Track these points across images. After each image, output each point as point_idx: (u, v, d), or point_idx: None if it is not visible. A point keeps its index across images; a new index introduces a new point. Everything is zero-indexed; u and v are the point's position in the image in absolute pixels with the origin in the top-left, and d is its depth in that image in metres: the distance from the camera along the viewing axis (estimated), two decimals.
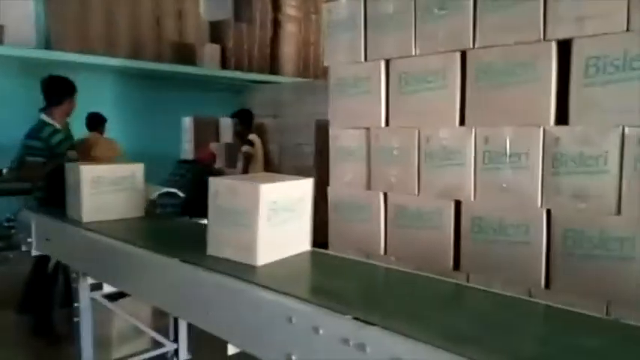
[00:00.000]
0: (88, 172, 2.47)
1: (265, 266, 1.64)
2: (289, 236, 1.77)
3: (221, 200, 1.70)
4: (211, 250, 1.72)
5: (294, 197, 1.77)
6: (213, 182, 1.72)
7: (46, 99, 3.63)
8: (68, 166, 2.63)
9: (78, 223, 2.42)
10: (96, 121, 5.76)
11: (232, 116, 5.95)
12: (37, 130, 3.54)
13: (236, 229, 1.65)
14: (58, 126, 3.61)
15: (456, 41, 2.12)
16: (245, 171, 5.64)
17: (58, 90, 3.61)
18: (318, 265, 1.78)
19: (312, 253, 1.85)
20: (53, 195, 2.87)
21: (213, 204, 1.72)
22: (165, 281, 1.81)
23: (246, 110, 5.94)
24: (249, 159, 5.68)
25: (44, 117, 3.60)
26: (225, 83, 8.35)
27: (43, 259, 3.60)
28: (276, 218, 1.68)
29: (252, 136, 5.80)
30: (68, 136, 3.71)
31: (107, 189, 2.50)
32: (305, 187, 1.83)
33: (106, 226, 2.34)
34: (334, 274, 1.68)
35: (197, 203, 3.09)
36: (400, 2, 2.27)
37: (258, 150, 5.81)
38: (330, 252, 1.94)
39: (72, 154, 3.56)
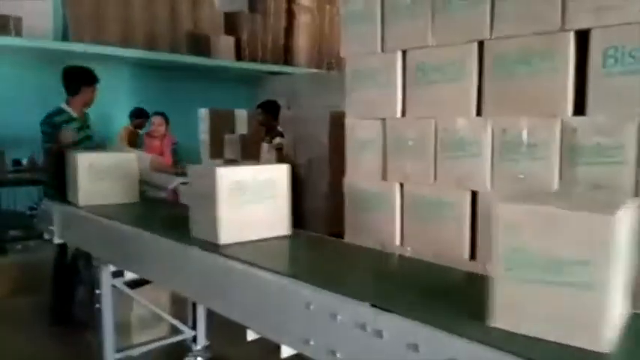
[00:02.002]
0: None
1: None
2: None
3: None
4: None
5: None
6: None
7: (65, 88, 3.69)
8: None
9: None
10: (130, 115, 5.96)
11: (258, 106, 5.90)
12: (49, 116, 3.59)
13: None
14: (74, 114, 3.67)
15: (473, 32, 2.12)
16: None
17: (74, 79, 3.69)
18: None
19: None
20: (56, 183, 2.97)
21: None
22: (186, 268, 1.85)
23: (272, 101, 5.85)
24: (281, 151, 5.60)
25: (63, 105, 3.65)
26: (240, 74, 8.39)
27: (61, 256, 3.69)
28: None
29: (281, 128, 5.74)
30: (84, 126, 3.74)
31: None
32: None
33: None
34: None
35: None
36: None
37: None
38: None
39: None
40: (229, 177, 1.84)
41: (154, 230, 2.06)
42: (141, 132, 6.18)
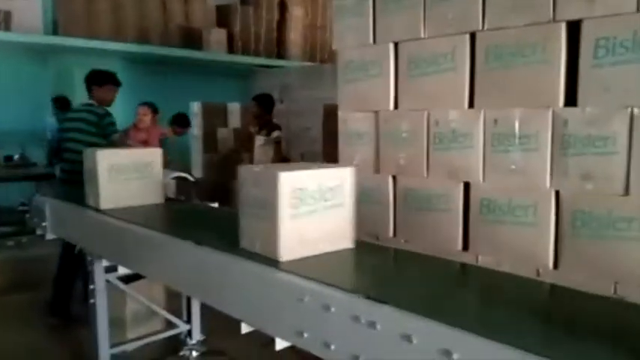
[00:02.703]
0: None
1: None
2: None
3: None
4: None
5: None
6: None
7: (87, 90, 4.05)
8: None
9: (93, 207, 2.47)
10: None
11: (252, 99, 5.88)
12: (104, 110, 3.94)
13: None
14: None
15: (465, 23, 2.12)
16: (278, 157, 5.59)
17: (87, 81, 4.01)
18: None
19: None
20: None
21: None
22: (180, 262, 1.85)
23: (267, 95, 5.83)
24: (279, 145, 5.62)
25: (93, 102, 3.98)
26: (232, 68, 8.35)
27: (69, 249, 3.69)
28: None
29: (276, 121, 5.75)
30: None
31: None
32: None
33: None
34: None
35: None
36: None
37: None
38: None
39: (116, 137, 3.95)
40: (292, 183, 1.57)
41: (151, 227, 2.05)
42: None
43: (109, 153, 2.49)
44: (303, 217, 1.59)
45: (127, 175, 2.43)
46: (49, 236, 2.77)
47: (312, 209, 1.61)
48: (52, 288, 3.87)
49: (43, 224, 2.75)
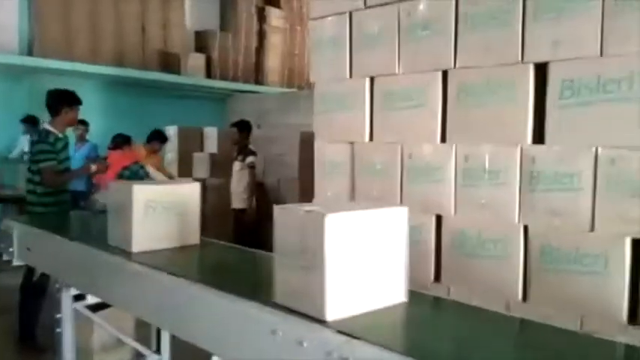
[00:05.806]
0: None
1: None
2: None
3: None
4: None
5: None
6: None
7: (48, 110, 3.82)
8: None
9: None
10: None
11: (232, 126, 6.00)
12: (44, 136, 3.70)
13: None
14: (59, 134, 3.76)
15: (437, 61, 2.19)
16: (252, 182, 5.69)
17: (55, 101, 3.79)
18: None
19: None
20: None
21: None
22: (149, 293, 1.82)
23: (245, 121, 5.98)
24: (254, 169, 5.72)
25: (46, 126, 3.79)
26: (210, 92, 8.37)
27: (29, 276, 3.61)
28: None
29: (253, 147, 5.87)
30: (66, 145, 3.88)
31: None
32: None
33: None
34: None
35: None
36: (384, 22, 2.33)
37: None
38: None
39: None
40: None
41: (120, 255, 2.02)
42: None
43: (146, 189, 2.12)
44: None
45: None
46: (16, 262, 2.70)
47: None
48: (18, 316, 3.76)
49: (10, 250, 2.68)
